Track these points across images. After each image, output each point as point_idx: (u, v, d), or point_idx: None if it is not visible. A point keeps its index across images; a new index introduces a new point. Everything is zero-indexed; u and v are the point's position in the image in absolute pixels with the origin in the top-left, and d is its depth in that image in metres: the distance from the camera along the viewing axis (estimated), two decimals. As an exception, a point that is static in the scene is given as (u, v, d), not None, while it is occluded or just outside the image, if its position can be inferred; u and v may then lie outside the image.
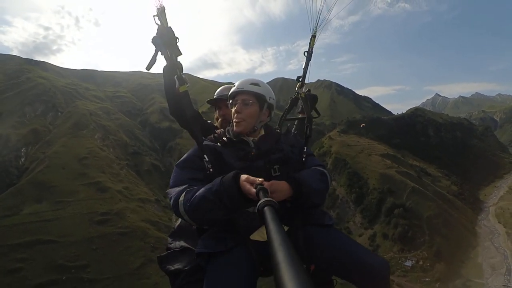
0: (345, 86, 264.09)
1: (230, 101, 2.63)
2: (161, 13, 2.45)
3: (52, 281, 51.77)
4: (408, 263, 75.31)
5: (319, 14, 3.26)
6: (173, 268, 2.50)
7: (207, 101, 3.47)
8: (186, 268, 2.46)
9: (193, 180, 2.38)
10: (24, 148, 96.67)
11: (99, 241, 58.63)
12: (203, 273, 2.23)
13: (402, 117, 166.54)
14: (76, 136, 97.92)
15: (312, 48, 3.42)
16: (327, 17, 3.30)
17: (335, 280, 2.58)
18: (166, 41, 2.46)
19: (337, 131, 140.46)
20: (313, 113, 3.38)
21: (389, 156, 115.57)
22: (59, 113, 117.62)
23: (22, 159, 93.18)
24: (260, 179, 1.97)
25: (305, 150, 2.76)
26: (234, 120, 2.59)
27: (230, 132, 2.62)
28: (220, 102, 3.31)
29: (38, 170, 79.67)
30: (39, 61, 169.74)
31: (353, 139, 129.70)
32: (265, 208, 1.38)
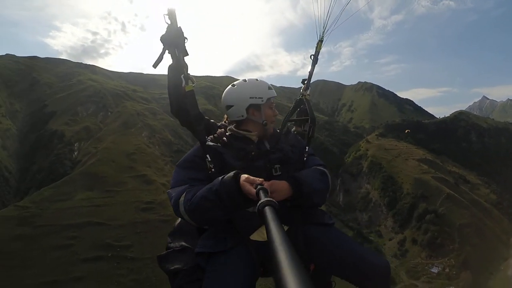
0: (387, 89, 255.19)
1: (264, 101, 2.67)
2: (171, 12, 2.52)
3: (98, 257, 57.41)
4: (434, 270, 74.70)
5: (327, 19, 3.31)
6: (172, 268, 2.51)
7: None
8: (185, 268, 2.45)
9: (194, 180, 2.41)
10: (77, 143, 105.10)
11: (143, 226, 63.43)
12: (202, 272, 2.29)
13: (444, 121, 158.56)
14: (125, 134, 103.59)
15: (318, 52, 3.48)
16: (335, 23, 3.33)
17: (334, 282, 2.66)
18: (174, 40, 2.53)
19: (375, 135, 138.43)
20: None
21: (427, 161, 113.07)
22: (109, 113, 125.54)
23: (75, 153, 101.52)
24: (260, 179, 1.99)
25: (306, 150, 2.83)
26: (274, 121, 2.76)
27: (267, 131, 2.70)
28: None
29: (90, 162, 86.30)
30: (89, 64, 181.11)
31: (391, 143, 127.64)
32: (265, 208, 1.37)
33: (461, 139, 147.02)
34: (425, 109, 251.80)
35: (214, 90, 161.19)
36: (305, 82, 3.39)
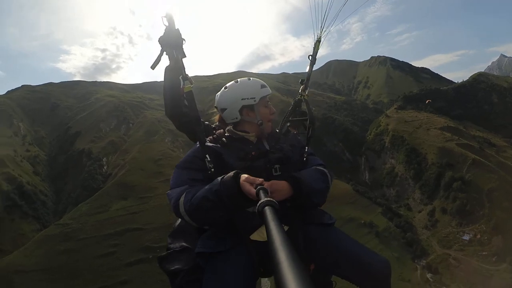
0: (402, 60, 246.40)
1: (257, 101, 2.64)
2: (169, 15, 2.50)
3: (140, 260, 61.24)
4: (466, 237, 73.96)
5: (324, 18, 3.20)
6: (172, 268, 2.50)
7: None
8: (185, 268, 2.45)
9: (194, 180, 2.39)
10: (105, 158, 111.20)
11: None
12: (202, 272, 2.28)
13: (462, 85, 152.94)
14: (149, 142, 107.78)
15: (316, 53, 3.37)
16: (332, 22, 3.24)
17: (334, 282, 2.67)
18: (172, 42, 2.51)
19: (394, 108, 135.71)
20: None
21: (449, 129, 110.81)
22: (131, 124, 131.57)
23: (105, 167, 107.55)
24: (260, 179, 1.98)
25: (306, 150, 2.81)
26: (271, 120, 2.75)
27: (264, 130, 2.68)
28: None
29: (120, 174, 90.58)
30: (103, 81, 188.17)
31: (411, 115, 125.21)
32: (265, 208, 1.37)
33: (482, 101, 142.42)
34: (443, 76, 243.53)
35: None
36: (304, 82, 3.36)
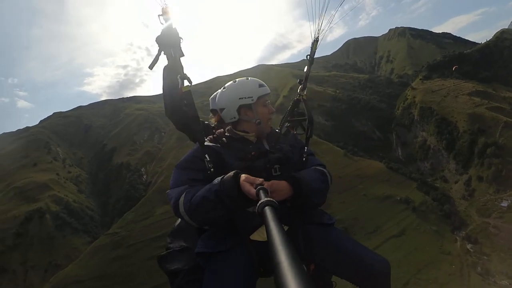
0: (421, 28, 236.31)
1: (255, 100, 2.66)
2: (165, 13, 2.49)
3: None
4: (504, 204, 70.79)
5: (322, 18, 3.12)
6: (172, 268, 2.53)
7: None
8: (185, 268, 2.47)
9: (193, 180, 2.40)
10: (143, 168, 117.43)
11: None
12: (202, 272, 2.28)
13: (486, 45, 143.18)
14: (182, 147, 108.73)
15: (314, 52, 3.30)
16: (329, 22, 3.19)
17: (334, 282, 2.65)
18: (170, 41, 2.49)
19: (420, 79, 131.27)
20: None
21: (478, 93, 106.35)
22: (163, 133, 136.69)
23: (144, 176, 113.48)
24: (260, 179, 1.97)
25: (305, 150, 2.83)
26: (269, 118, 2.77)
27: (262, 130, 2.70)
28: None
29: (160, 180, 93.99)
30: (130, 97, 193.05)
31: (437, 84, 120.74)
32: (265, 208, 1.37)
33: (509, 60, 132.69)
34: (466, 38, 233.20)
35: None
36: (302, 82, 3.32)
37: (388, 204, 68.63)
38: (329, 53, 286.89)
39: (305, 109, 3.22)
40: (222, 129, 2.83)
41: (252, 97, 2.64)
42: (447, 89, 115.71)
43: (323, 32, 3.26)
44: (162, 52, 2.53)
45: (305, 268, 2.11)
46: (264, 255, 2.24)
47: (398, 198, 71.43)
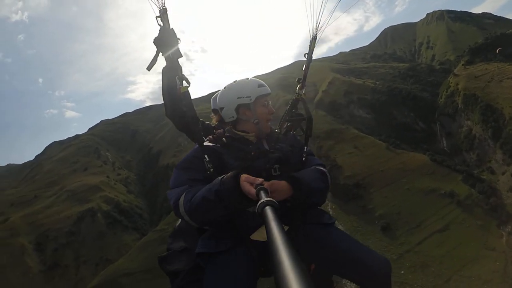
0: (459, 10, 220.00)
1: (253, 100, 2.70)
2: (163, 14, 2.48)
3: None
4: None
5: (320, 14, 3.14)
6: (172, 268, 2.54)
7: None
8: (186, 268, 2.47)
9: (193, 180, 2.41)
10: None
11: None
12: (203, 273, 2.28)
13: None
14: None
15: (312, 51, 3.36)
16: (328, 18, 3.18)
17: (335, 282, 2.72)
18: (168, 42, 2.48)
19: (462, 65, 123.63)
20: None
21: None
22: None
23: None
24: (260, 179, 1.99)
25: (305, 149, 2.87)
26: (269, 119, 2.80)
27: (261, 130, 2.73)
28: None
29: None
30: None
31: (480, 68, 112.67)
32: (265, 208, 1.37)
33: None
34: (507, 18, 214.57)
35: (288, 79, 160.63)
36: (300, 81, 3.32)
37: (432, 198, 66.61)
38: (366, 44, 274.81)
39: (304, 108, 3.28)
40: (221, 129, 2.87)
41: (250, 96, 2.71)
42: (490, 74, 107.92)
43: (322, 29, 3.30)
44: (160, 54, 2.56)
45: (305, 267, 2.32)
46: (265, 254, 2.29)
47: (443, 192, 69.16)
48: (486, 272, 47.51)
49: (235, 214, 2.29)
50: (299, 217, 2.52)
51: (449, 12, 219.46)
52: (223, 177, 2.19)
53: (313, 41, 3.36)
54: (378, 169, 79.26)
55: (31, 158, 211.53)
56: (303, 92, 3.34)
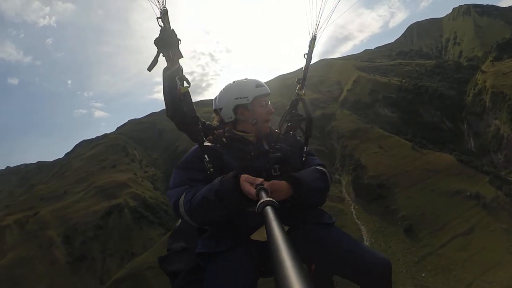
0: (486, 4, 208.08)
1: (250, 100, 2.69)
2: (164, 15, 2.47)
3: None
4: None
5: (320, 14, 3.10)
6: (173, 268, 2.52)
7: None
8: (186, 268, 2.45)
9: (193, 181, 2.41)
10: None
11: None
12: (203, 273, 2.27)
13: None
14: None
15: (312, 51, 3.32)
16: (328, 18, 3.13)
17: (336, 282, 2.66)
18: (168, 43, 2.48)
19: (490, 61, 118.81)
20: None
21: None
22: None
23: None
24: (260, 179, 1.99)
25: (305, 149, 2.87)
26: (268, 120, 2.79)
27: (260, 130, 2.72)
28: None
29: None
30: (197, 101, 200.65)
31: (509, 65, 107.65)
32: (265, 208, 1.36)
33: None
34: None
35: (312, 78, 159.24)
36: (300, 81, 3.31)
37: (457, 200, 65.51)
38: (392, 40, 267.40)
39: (304, 108, 3.26)
40: (221, 130, 2.87)
41: (247, 97, 2.69)
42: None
43: (321, 29, 3.24)
44: (161, 54, 2.56)
45: (305, 267, 2.34)
46: (265, 255, 2.23)
47: (468, 194, 67.49)
48: (509, 278, 46.23)
49: (235, 214, 2.30)
50: (299, 217, 2.54)
51: (476, 6, 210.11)
52: (223, 177, 2.21)
53: (312, 41, 3.32)
54: (403, 169, 78.39)
55: (61, 156, 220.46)
56: (303, 92, 3.34)
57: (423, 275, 48.96)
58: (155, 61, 2.56)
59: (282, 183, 2.30)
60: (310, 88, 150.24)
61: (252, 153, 2.55)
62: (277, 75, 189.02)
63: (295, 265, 0.81)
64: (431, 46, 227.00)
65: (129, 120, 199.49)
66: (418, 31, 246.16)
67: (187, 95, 2.58)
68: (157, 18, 2.47)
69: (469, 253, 50.87)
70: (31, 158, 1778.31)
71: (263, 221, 1.26)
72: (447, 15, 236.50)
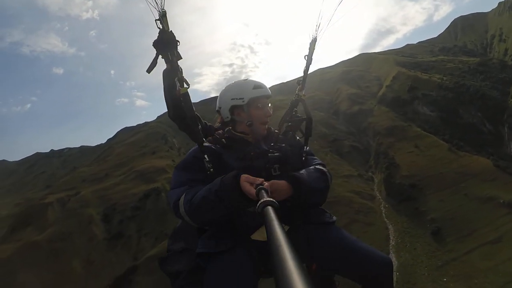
0: None
1: (246, 101, 2.69)
2: (162, 17, 2.45)
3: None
4: None
5: (320, 16, 3.06)
6: (173, 269, 2.51)
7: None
8: (186, 269, 2.45)
9: (193, 181, 2.42)
10: None
11: None
12: (203, 273, 2.26)
13: None
14: None
15: (312, 53, 3.30)
16: (329, 20, 3.07)
17: (337, 282, 2.66)
18: (167, 45, 2.46)
19: None
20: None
21: None
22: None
23: None
24: (260, 179, 1.99)
25: (305, 149, 2.90)
26: (265, 122, 2.79)
27: (255, 131, 2.74)
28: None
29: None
30: None
31: None
32: (265, 208, 1.36)
33: None
34: None
35: (351, 73, 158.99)
36: (300, 82, 3.31)
37: (490, 207, 63.93)
38: (435, 35, 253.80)
39: (304, 109, 3.25)
40: (221, 130, 2.88)
41: (243, 98, 2.69)
42: None
43: (322, 31, 3.19)
44: (160, 56, 2.53)
45: (305, 267, 2.35)
46: (265, 255, 2.24)
47: (501, 201, 65.37)
48: (531, 293, 45.12)
49: (235, 214, 2.31)
50: (299, 217, 2.54)
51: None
52: (223, 177, 2.20)
53: (312, 44, 3.29)
54: (437, 171, 76.95)
55: (103, 141, 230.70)
56: (303, 93, 3.35)
57: (445, 279, 48.83)
58: (154, 63, 2.57)
59: (282, 183, 2.32)
60: (349, 83, 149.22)
61: (252, 153, 2.57)
62: (317, 69, 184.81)
63: (295, 265, 0.81)
64: (476, 43, 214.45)
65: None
66: (463, 26, 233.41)
67: (186, 96, 2.60)
68: (156, 20, 2.47)
69: (494, 263, 49.77)
70: (74, 142, 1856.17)
71: (263, 221, 1.26)
72: (492, 9, 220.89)
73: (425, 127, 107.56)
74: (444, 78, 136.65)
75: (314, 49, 3.28)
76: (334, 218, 2.67)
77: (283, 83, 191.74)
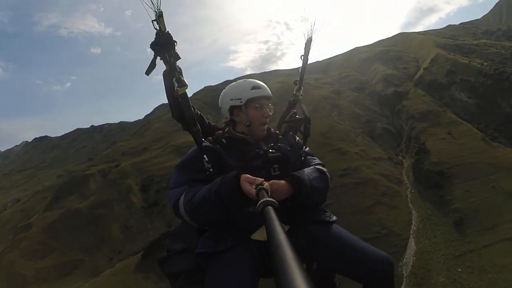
0: None
1: (243, 102, 2.69)
2: (159, 17, 2.44)
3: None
4: None
5: (314, 15, 3.11)
6: (173, 270, 2.48)
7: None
8: (186, 269, 2.42)
9: (193, 181, 2.40)
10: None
11: (340, 188, 64.59)
12: (203, 273, 2.25)
13: None
14: (316, 118, 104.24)
15: (308, 53, 3.35)
16: (324, 20, 3.14)
17: (338, 282, 2.65)
18: (164, 45, 2.47)
19: None
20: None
21: None
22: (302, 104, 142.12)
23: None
24: (260, 179, 1.98)
25: (304, 149, 2.90)
26: (263, 123, 2.77)
27: (253, 132, 2.72)
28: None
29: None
30: (270, 71, 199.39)
31: None
32: (266, 208, 1.36)
33: None
34: None
35: (389, 53, 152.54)
36: (297, 82, 3.35)
37: None
38: (479, 17, 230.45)
39: (302, 109, 3.26)
40: (221, 131, 2.90)
41: (241, 99, 2.71)
42: None
43: (318, 31, 3.22)
44: (158, 57, 2.56)
45: (305, 267, 2.34)
46: (266, 254, 2.23)
47: None
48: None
49: (235, 214, 2.31)
50: (300, 217, 2.54)
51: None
52: (223, 177, 2.21)
53: (308, 43, 3.32)
54: (468, 161, 74.46)
55: (141, 117, 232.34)
56: (301, 93, 3.37)
57: (459, 270, 48.95)
58: (152, 65, 2.59)
59: (282, 183, 2.32)
60: (386, 63, 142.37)
61: (251, 153, 2.57)
62: (353, 47, 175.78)
63: (295, 265, 0.81)
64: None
65: (205, 87, 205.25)
66: (508, 8, 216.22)
67: (184, 96, 2.60)
68: (152, 21, 2.47)
69: (511, 260, 48.42)
70: (114, 118, 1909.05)
71: (263, 221, 1.26)
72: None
73: (460, 114, 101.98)
74: (485, 63, 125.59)
75: (310, 49, 3.38)
76: (334, 217, 2.65)
77: (318, 61, 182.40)
